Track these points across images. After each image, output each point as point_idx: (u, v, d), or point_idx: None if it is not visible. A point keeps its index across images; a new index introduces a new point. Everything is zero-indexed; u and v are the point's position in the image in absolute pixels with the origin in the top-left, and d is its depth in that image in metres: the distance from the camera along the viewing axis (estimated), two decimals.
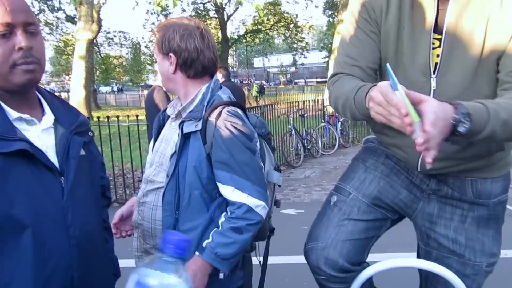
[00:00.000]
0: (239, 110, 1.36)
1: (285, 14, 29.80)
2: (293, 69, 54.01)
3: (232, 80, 7.80)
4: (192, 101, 1.38)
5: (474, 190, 1.31)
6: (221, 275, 1.31)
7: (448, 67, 1.16)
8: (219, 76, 5.25)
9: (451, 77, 1.16)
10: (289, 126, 7.91)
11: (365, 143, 1.56)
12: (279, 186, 1.53)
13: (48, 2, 25.50)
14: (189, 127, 1.33)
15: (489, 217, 1.34)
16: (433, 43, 1.17)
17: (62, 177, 1.07)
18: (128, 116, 5.51)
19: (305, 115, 8.76)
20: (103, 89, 45.40)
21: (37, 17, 25.01)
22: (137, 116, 5.61)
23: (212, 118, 1.31)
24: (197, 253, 1.28)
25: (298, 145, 7.98)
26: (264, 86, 31.06)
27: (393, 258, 1.37)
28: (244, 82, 28.83)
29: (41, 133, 1.08)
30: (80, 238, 1.07)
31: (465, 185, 1.32)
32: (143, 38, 31.76)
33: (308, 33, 38.52)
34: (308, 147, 8.42)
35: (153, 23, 27.87)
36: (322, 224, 1.43)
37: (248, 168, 1.29)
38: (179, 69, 1.37)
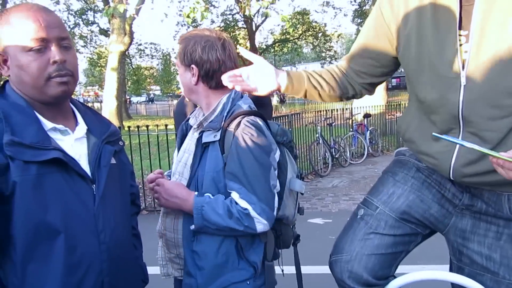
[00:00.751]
0: (259, 120, 1.35)
1: (314, 23, 29.82)
2: None
3: None
4: (213, 111, 1.39)
5: (511, 206, 1.26)
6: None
7: (477, 63, 1.14)
8: None
9: (481, 72, 1.13)
10: (317, 135, 7.86)
11: (396, 155, 1.54)
12: (302, 194, 1.52)
13: (83, 16, 26.47)
14: (208, 137, 1.35)
15: None
16: (460, 40, 1.16)
17: (94, 185, 1.11)
18: (157, 125, 5.63)
19: (333, 124, 8.69)
20: (134, 99, 46.55)
21: (72, 30, 26.06)
22: (166, 125, 5.72)
23: (231, 128, 1.32)
24: (196, 193, 1.34)
25: (326, 154, 7.92)
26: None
27: (423, 270, 1.34)
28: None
29: (74, 143, 1.13)
30: (110, 244, 1.10)
31: (501, 200, 1.26)
32: (173, 49, 32.36)
33: (337, 41, 38.32)
34: (336, 156, 8.34)
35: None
36: (348, 237, 1.41)
37: (257, 183, 1.29)
38: (201, 80, 1.39)
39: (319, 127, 7.90)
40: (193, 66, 1.37)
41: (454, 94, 1.17)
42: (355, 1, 26.02)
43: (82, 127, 1.17)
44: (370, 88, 1.48)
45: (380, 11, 1.32)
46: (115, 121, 14.96)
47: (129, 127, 6.21)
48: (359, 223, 1.41)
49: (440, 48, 1.18)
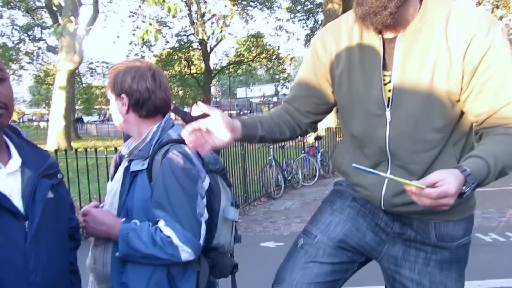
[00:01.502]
0: (186, 148, 1.35)
1: (268, 46, 30.44)
2: (275, 99, 54.67)
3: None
4: (143, 140, 1.40)
5: (437, 233, 1.34)
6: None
7: (400, 101, 1.22)
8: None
9: (404, 109, 1.21)
10: (269, 158, 7.95)
11: (334, 185, 1.59)
12: (236, 221, 1.54)
13: (28, 32, 25.49)
14: (136, 166, 1.36)
15: (451, 260, 1.36)
16: (384, 80, 1.24)
17: (27, 221, 1.06)
18: (107, 147, 5.47)
19: (285, 146, 8.83)
20: (86, 118, 45.03)
21: (17, 46, 24.95)
22: (115, 148, 5.57)
23: (159, 156, 1.33)
24: (123, 219, 1.32)
25: (279, 176, 8.01)
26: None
27: None
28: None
29: (6, 177, 1.08)
30: (43, 283, 1.05)
31: (428, 228, 1.34)
32: None
33: (290, 64, 39.28)
34: (289, 178, 8.45)
35: (136, 54, 28.09)
36: (288, 266, 1.43)
37: (182, 211, 1.28)
38: (131, 109, 1.40)
39: (271, 150, 8.00)
40: (123, 95, 1.39)
41: (381, 130, 1.26)
42: (307, 26, 26.93)
43: (16, 161, 1.12)
44: (315, 126, 1.53)
45: (315, 51, 1.38)
46: (62, 142, 14.38)
47: (76, 149, 5.99)
48: (299, 252, 1.44)
49: (367, 87, 1.25)
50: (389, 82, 1.23)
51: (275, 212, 6.67)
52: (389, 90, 1.23)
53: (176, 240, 1.26)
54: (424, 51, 1.17)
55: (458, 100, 1.19)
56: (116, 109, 1.43)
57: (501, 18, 26.90)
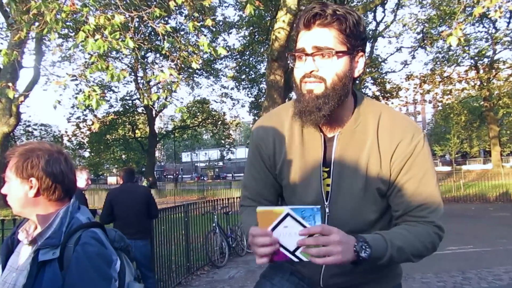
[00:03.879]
0: (98, 232, 1.33)
1: (213, 112, 31.04)
2: (221, 163, 54.88)
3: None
4: (49, 226, 1.33)
5: None
6: None
7: (337, 195, 1.28)
8: (118, 178, 5.00)
9: (341, 204, 1.28)
10: (213, 224, 7.81)
11: None
12: None
13: None
14: (45, 255, 1.27)
15: None
16: (323, 175, 1.30)
17: None
18: None
19: (229, 212, 8.74)
20: None
21: None
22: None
23: (71, 243, 1.28)
24: None
25: (223, 243, 7.82)
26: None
27: None
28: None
29: None
30: None
31: None
32: (66, 131, 30.79)
33: (235, 130, 40.09)
34: (233, 245, 8.28)
35: (78, 118, 27.48)
36: None
37: None
38: (41, 193, 1.34)
39: (215, 216, 7.88)
40: (32, 179, 1.33)
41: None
42: (251, 94, 27.96)
43: None
44: None
45: (257, 144, 1.39)
46: None
47: (2, 219, 5.55)
48: None
49: (307, 181, 1.31)
50: (328, 177, 1.30)
51: (218, 281, 6.43)
52: (328, 185, 1.30)
53: None
54: (359, 151, 1.26)
55: (385, 196, 1.30)
56: (18, 192, 1.35)
57: (428, 91, 29.65)
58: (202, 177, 56.33)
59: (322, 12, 1.14)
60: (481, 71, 28.41)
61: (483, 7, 6.67)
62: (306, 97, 1.18)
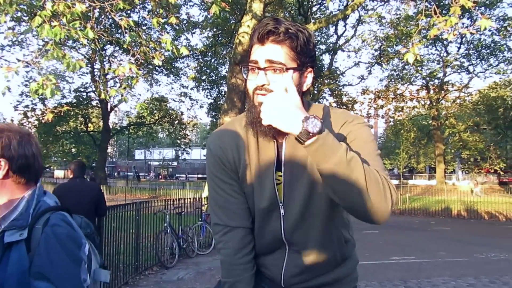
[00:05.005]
0: (67, 215, 1.32)
1: (171, 111, 30.59)
2: (175, 163, 54.10)
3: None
4: (14, 209, 1.29)
5: None
6: None
7: (290, 197, 1.34)
8: (67, 172, 4.85)
9: (294, 204, 1.33)
10: (165, 224, 7.69)
11: None
12: (108, 283, 1.47)
13: None
14: (11, 236, 1.24)
15: None
16: (277, 179, 1.35)
17: None
18: None
19: (183, 213, 8.65)
20: None
21: None
22: None
23: (39, 225, 1.25)
24: None
25: (173, 244, 7.72)
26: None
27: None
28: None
29: None
30: None
31: None
32: (12, 120, 29.24)
33: (192, 130, 39.65)
34: (184, 246, 8.19)
35: (26, 106, 26.17)
36: None
37: (69, 280, 1.22)
38: (11, 175, 1.30)
39: (167, 216, 7.77)
40: (1, 160, 1.28)
41: (276, 223, 1.36)
42: (210, 96, 27.86)
43: None
44: None
45: (218, 157, 1.39)
46: None
47: None
48: None
49: (263, 185, 1.35)
50: (281, 183, 1.34)
51: (167, 282, 6.33)
52: (282, 189, 1.34)
53: None
54: (304, 152, 1.27)
55: None
56: None
57: (381, 107, 30.82)
58: (159, 176, 55.33)
59: (275, 29, 1.20)
60: (432, 91, 29.96)
61: (438, 29, 7.06)
62: (258, 108, 1.22)
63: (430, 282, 6.25)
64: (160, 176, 55.41)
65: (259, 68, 1.22)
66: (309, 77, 1.29)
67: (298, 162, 1.31)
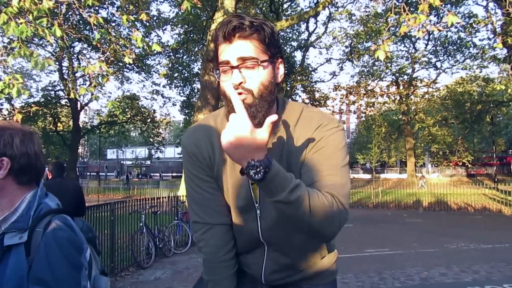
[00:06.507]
0: (69, 219, 1.28)
1: (143, 109, 30.13)
2: (148, 162, 53.42)
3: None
4: (15, 210, 1.25)
5: None
6: None
7: (264, 197, 1.30)
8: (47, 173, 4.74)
9: (270, 205, 1.25)
10: (141, 224, 7.60)
11: None
12: None
13: None
14: (11, 239, 1.21)
15: None
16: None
17: None
18: None
19: (158, 212, 8.57)
20: None
21: None
22: None
23: (40, 228, 1.21)
24: None
25: (150, 244, 7.64)
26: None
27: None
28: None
29: None
30: None
31: None
32: None
33: (165, 128, 39.21)
34: (160, 246, 8.12)
35: None
36: None
37: (67, 286, 1.19)
38: (11, 175, 1.26)
39: (143, 216, 7.67)
40: (4, 158, 1.24)
41: (253, 223, 1.35)
42: (183, 93, 27.60)
43: None
44: None
45: (192, 154, 1.38)
46: None
47: None
48: None
49: (238, 186, 1.33)
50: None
51: (144, 283, 6.26)
52: (257, 189, 1.31)
53: None
54: (279, 149, 1.30)
55: None
56: None
57: (353, 102, 31.34)
58: (139, 176, 54.38)
59: (241, 24, 1.18)
60: (401, 87, 30.66)
61: (408, 26, 7.23)
62: None
63: (404, 273, 6.42)
64: (140, 176, 54.47)
65: (232, 67, 1.19)
66: (281, 68, 1.29)
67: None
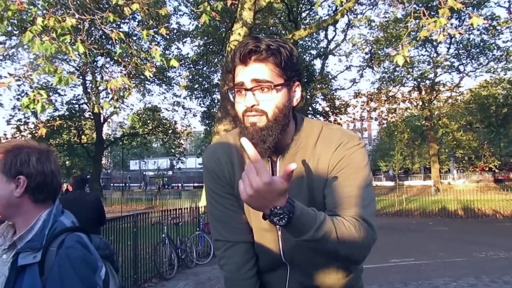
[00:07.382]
0: (83, 237, 1.28)
1: (164, 120, 30.52)
2: (170, 173, 53.91)
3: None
4: (30, 229, 1.26)
5: None
6: None
7: None
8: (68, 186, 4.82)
9: None
10: (163, 235, 7.64)
11: None
12: None
13: None
14: (25, 259, 1.21)
15: None
16: None
17: None
18: None
19: (180, 223, 8.61)
20: None
21: None
22: None
23: (54, 247, 1.21)
24: None
25: (172, 255, 7.67)
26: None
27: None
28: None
29: None
30: None
31: None
32: (5, 134, 28.95)
33: (186, 139, 39.58)
34: (182, 257, 8.14)
35: (19, 120, 25.98)
36: None
37: None
38: (27, 193, 1.27)
39: (165, 227, 7.72)
40: (20, 177, 1.26)
41: (275, 244, 1.34)
42: (203, 104, 27.86)
43: None
44: None
45: (212, 173, 1.38)
46: None
47: None
48: None
49: None
50: None
51: None
52: None
53: None
54: (299, 171, 1.28)
55: None
56: (1, 191, 1.26)
57: (374, 109, 31.00)
58: (165, 187, 54.74)
59: (257, 48, 1.17)
60: (423, 92, 30.15)
61: (428, 30, 7.12)
62: (250, 129, 1.20)
63: (431, 284, 6.25)
64: (166, 187, 54.83)
65: (246, 89, 1.19)
66: (297, 91, 1.27)
67: (294, 180, 1.26)
